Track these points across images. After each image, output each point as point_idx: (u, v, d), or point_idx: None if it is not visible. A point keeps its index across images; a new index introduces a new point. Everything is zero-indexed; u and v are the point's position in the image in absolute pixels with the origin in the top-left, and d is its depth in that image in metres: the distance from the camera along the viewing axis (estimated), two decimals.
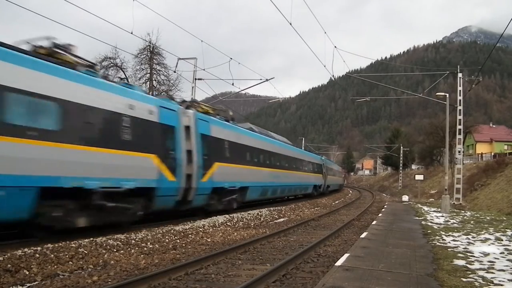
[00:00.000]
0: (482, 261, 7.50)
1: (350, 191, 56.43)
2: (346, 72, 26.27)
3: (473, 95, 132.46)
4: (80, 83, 9.41)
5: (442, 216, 18.19)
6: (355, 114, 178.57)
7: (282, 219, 16.71)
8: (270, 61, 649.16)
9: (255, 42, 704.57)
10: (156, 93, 31.71)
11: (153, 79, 31.90)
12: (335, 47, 17.77)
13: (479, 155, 54.19)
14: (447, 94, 22.82)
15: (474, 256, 8.00)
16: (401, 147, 62.00)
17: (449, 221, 15.65)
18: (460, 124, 24.48)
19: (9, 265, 6.44)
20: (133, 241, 9.20)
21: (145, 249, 8.68)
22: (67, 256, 7.34)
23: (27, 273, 6.30)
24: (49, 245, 7.84)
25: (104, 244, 8.49)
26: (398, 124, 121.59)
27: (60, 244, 8.01)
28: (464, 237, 10.98)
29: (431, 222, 15.14)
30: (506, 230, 12.49)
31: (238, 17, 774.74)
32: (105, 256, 7.72)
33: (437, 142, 50.25)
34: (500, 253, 8.47)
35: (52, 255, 7.23)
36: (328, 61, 33.32)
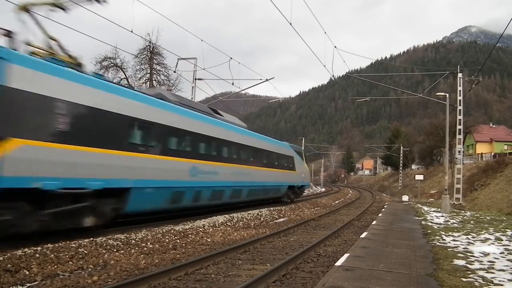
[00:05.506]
0: (482, 261, 7.50)
1: (350, 191, 56.40)
2: (346, 72, 26.28)
3: (473, 95, 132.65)
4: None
5: (442, 216, 18.19)
6: (355, 114, 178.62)
7: (282, 219, 16.71)
8: (281, 61, 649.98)
9: (265, 41, 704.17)
10: None
11: (153, 79, 31.87)
12: (335, 47, 17.75)
13: (479, 155, 54.19)
14: (447, 94, 22.82)
15: (474, 256, 8.00)
16: (401, 147, 61.99)
17: (449, 221, 15.65)
18: (460, 124, 24.48)
19: (9, 265, 6.43)
20: (133, 241, 9.19)
21: (145, 249, 8.67)
22: (67, 256, 7.34)
23: (27, 273, 6.30)
24: (49, 245, 7.84)
25: (104, 244, 8.49)
26: (398, 124, 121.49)
27: (60, 244, 8.01)
28: (464, 237, 10.98)
29: (431, 222, 15.14)
30: (506, 230, 12.49)
31: (249, 15, 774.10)
32: (105, 256, 7.71)
33: (437, 142, 50.30)
34: (500, 253, 8.47)
35: (52, 255, 7.23)
36: (328, 61, 33.31)
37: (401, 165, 62.44)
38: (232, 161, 16.79)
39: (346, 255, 7.49)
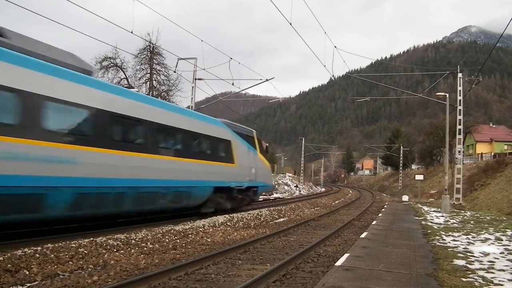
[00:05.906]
0: (482, 261, 7.50)
1: (350, 191, 56.43)
2: (346, 72, 26.28)
3: (473, 95, 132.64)
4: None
5: (442, 216, 18.20)
6: (355, 114, 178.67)
7: (282, 219, 16.71)
8: (282, 61, 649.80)
9: (267, 41, 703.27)
10: (156, 93, 31.75)
11: (153, 79, 31.92)
12: (335, 47, 17.76)
13: (479, 155, 54.25)
14: (447, 94, 22.83)
15: (474, 256, 8.00)
16: (401, 147, 62.03)
17: (449, 221, 15.66)
18: (460, 124, 24.49)
19: (9, 265, 6.43)
20: (133, 241, 9.19)
21: (145, 249, 8.67)
22: (67, 256, 7.33)
23: (27, 273, 6.29)
24: (49, 245, 7.83)
25: (104, 244, 8.48)
26: (398, 124, 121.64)
27: (60, 244, 8.00)
28: (464, 237, 10.99)
29: (431, 222, 15.15)
30: (506, 230, 12.50)
31: (251, 15, 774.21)
32: (105, 256, 7.71)
33: (437, 142, 50.38)
34: (500, 253, 8.48)
35: (52, 255, 7.22)
36: (328, 61, 33.30)
37: (401, 165, 62.50)
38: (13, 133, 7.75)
39: (346, 255, 7.49)
